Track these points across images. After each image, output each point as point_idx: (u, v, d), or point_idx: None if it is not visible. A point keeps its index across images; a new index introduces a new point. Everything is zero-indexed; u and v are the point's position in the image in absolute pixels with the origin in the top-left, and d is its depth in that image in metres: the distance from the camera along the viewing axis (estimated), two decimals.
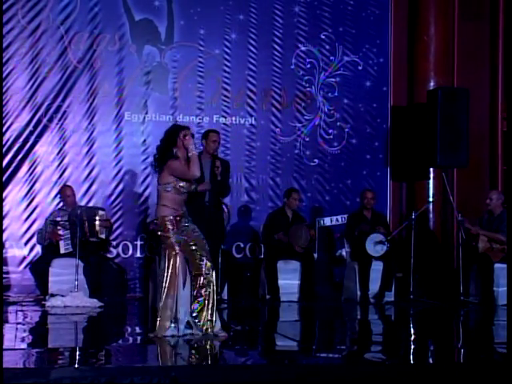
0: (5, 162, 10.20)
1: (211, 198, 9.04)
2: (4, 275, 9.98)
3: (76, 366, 5.60)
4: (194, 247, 6.83)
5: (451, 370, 5.75)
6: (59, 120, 10.42)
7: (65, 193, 9.89)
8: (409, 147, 11.21)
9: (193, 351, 6.42)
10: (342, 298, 10.31)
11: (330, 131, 11.23)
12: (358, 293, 10.04)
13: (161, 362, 6.11)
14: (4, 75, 10.21)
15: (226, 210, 9.61)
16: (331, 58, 11.26)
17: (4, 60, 10.19)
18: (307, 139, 11.15)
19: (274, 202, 10.88)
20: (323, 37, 11.23)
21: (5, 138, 10.22)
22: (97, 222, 9.46)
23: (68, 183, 10.20)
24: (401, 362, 6.09)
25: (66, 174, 10.41)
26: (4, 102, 10.21)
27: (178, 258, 6.75)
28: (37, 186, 10.34)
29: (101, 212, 9.64)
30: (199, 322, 6.76)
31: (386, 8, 11.40)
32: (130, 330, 7.99)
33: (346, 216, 10.78)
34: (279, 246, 10.06)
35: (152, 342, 6.66)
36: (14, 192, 10.27)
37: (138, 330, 8.03)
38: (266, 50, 11.04)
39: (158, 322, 6.74)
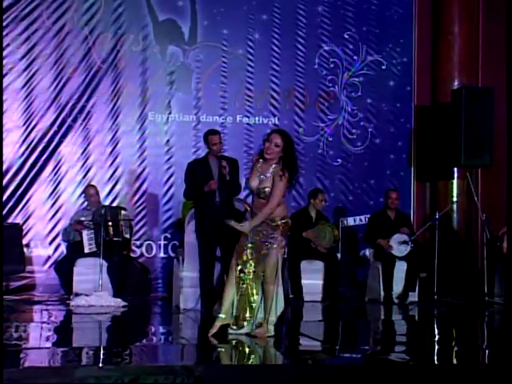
0: (30, 162, 10.28)
1: (222, 198, 8.73)
2: (29, 275, 10.07)
3: (100, 365, 5.60)
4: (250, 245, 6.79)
5: (475, 371, 5.72)
6: (83, 120, 10.48)
7: (89, 192, 9.93)
8: (433, 147, 11.17)
9: (217, 350, 6.44)
10: (366, 298, 10.30)
11: (354, 131, 11.21)
12: (382, 293, 10.02)
13: (184, 362, 6.12)
14: (29, 76, 10.31)
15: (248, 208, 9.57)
16: (354, 57, 11.25)
17: (29, 61, 10.31)
18: (330, 139, 11.14)
19: (298, 201, 10.85)
20: (347, 36, 11.22)
21: (30, 138, 10.30)
22: (121, 222, 9.49)
23: (92, 183, 10.24)
24: (425, 363, 6.06)
25: (91, 173, 10.47)
26: (29, 103, 10.30)
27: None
28: (61, 186, 10.40)
29: (123, 212, 9.66)
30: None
31: (410, 7, 11.37)
32: (153, 329, 8.02)
33: (369, 216, 10.74)
34: (305, 244, 10.01)
35: (174, 342, 6.66)
36: (39, 192, 10.33)
37: (161, 329, 8.06)
38: (289, 49, 11.04)
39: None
